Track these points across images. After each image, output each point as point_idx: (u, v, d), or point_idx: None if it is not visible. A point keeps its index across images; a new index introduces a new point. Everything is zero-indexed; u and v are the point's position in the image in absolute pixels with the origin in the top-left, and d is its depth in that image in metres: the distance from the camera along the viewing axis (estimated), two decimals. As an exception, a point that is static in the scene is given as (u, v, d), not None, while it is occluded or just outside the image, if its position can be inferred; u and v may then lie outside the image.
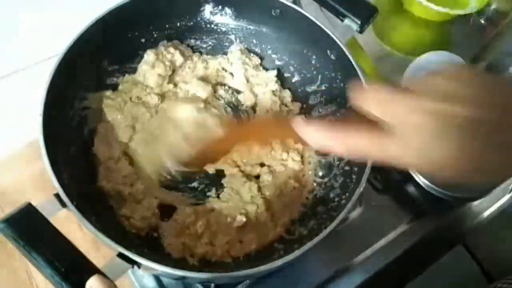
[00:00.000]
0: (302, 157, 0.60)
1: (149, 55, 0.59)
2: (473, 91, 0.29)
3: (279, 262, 0.40)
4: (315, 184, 0.58)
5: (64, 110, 0.52)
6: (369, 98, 0.32)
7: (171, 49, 0.61)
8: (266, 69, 0.65)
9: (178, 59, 0.61)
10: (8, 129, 0.86)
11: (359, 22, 0.55)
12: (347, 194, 0.52)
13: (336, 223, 0.44)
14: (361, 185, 0.47)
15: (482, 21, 0.81)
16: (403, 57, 0.75)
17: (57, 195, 0.42)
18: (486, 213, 0.70)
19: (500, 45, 0.68)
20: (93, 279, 0.35)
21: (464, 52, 0.68)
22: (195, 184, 0.57)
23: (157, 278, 0.58)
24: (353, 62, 0.53)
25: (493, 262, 0.77)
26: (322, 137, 0.34)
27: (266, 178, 0.57)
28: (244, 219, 0.52)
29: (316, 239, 0.43)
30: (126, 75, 0.60)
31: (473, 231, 0.70)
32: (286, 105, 0.64)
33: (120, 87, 0.59)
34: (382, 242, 0.63)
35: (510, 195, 0.71)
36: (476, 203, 0.69)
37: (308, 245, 0.43)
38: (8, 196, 0.89)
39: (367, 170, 0.47)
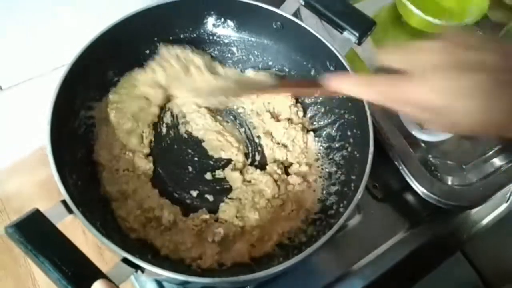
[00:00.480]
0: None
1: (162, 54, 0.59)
2: (490, 45, 0.33)
3: (279, 268, 0.42)
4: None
5: (71, 119, 0.54)
6: (394, 53, 0.36)
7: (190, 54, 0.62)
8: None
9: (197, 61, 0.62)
10: (14, 138, 0.88)
11: (357, 35, 0.56)
12: (345, 202, 0.53)
13: (334, 230, 0.45)
14: (359, 193, 0.48)
15: (480, 34, 0.82)
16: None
17: (63, 202, 0.43)
18: (485, 221, 0.71)
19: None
20: (98, 283, 0.36)
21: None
22: (193, 193, 0.59)
23: (159, 284, 0.59)
24: (351, 72, 0.54)
25: (492, 270, 0.77)
26: (352, 86, 0.37)
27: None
28: (222, 232, 0.53)
29: (314, 246, 0.44)
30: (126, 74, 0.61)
31: (472, 239, 0.70)
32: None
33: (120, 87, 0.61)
34: (380, 249, 0.64)
35: (508, 203, 0.72)
36: (474, 211, 0.70)
37: (307, 251, 0.44)
38: (14, 202, 0.91)
39: (365, 178, 0.49)
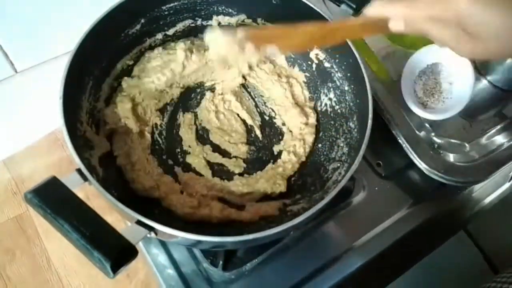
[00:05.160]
0: None
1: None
2: None
3: (283, 227, 0.43)
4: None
5: (80, 94, 0.55)
6: None
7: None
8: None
9: None
10: (27, 121, 0.90)
11: (354, 6, 0.58)
12: (346, 166, 0.56)
13: (333, 194, 0.46)
14: (359, 156, 0.49)
15: None
16: (406, 51, 0.77)
17: (78, 170, 0.44)
18: (487, 200, 0.72)
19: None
20: None
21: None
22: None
23: (169, 256, 0.61)
24: (349, 42, 0.56)
25: (495, 248, 0.78)
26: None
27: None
28: None
29: (314, 208, 0.44)
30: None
31: (475, 219, 0.72)
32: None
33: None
34: (384, 225, 0.65)
35: (510, 183, 0.73)
36: (476, 190, 0.71)
37: (307, 213, 0.44)
38: (27, 184, 0.93)
39: (365, 141, 0.50)
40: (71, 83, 0.49)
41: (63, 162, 0.90)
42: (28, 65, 0.78)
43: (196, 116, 0.65)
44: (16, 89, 0.81)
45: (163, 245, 0.62)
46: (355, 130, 0.58)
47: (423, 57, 0.70)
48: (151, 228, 0.41)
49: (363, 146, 0.49)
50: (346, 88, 0.61)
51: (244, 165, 0.63)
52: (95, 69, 0.56)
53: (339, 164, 0.58)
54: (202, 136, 0.64)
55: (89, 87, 0.55)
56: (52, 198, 0.40)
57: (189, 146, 0.62)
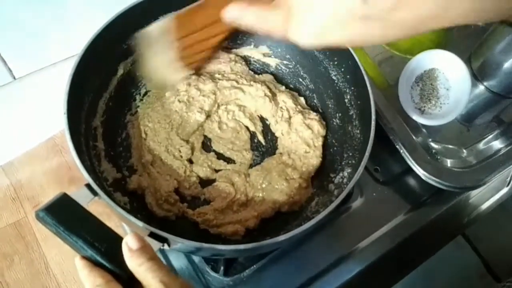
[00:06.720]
0: None
1: None
2: None
3: (287, 236, 0.43)
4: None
5: (84, 107, 0.54)
6: None
7: None
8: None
9: None
10: (25, 127, 0.90)
11: None
12: (350, 170, 0.57)
13: (338, 201, 0.46)
14: (363, 162, 0.50)
15: (480, 23, 0.84)
16: (403, 57, 0.78)
17: (87, 185, 0.44)
18: (485, 205, 0.72)
19: (493, 43, 0.71)
20: (129, 236, 0.36)
21: (462, 52, 0.70)
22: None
23: (168, 263, 0.61)
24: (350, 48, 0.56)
25: (493, 252, 0.79)
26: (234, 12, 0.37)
27: None
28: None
29: (319, 216, 0.45)
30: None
31: (473, 223, 0.72)
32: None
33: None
34: (382, 231, 0.65)
35: (508, 188, 0.73)
36: (474, 195, 0.71)
37: (309, 224, 0.44)
38: (25, 190, 0.94)
39: (369, 147, 0.51)
40: (74, 97, 0.49)
41: (62, 168, 0.90)
42: (26, 71, 0.78)
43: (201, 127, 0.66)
44: (14, 95, 0.81)
45: (161, 252, 0.62)
46: (357, 131, 0.58)
47: (420, 63, 0.70)
48: (164, 240, 0.41)
49: (369, 147, 0.49)
50: (346, 90, 0.62)
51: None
52: (95, 81, 0.57)
53: (341, 167, 0.59)
54: (206, 144, 0.64)
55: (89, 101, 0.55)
56: (64, 215, 0.39)
57: (193, 155, 0.62)
